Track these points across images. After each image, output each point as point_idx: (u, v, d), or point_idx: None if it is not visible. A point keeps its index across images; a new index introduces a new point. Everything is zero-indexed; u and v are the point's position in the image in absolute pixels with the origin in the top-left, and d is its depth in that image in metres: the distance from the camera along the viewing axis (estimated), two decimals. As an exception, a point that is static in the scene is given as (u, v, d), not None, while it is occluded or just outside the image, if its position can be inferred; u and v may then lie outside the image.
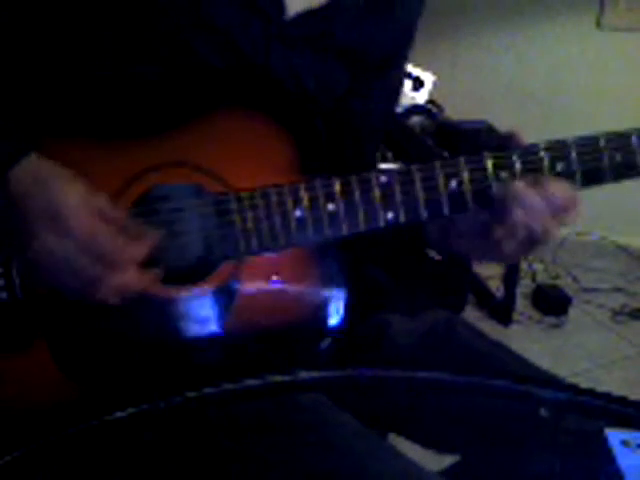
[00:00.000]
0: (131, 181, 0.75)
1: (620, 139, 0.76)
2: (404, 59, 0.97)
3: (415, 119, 2.30)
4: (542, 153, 0.75)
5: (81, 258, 0.68)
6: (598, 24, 2.80)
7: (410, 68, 2.32)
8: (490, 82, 2.97)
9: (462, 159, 0.75)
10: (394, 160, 2.11)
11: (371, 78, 0.91)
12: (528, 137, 0.77)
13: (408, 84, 2.29)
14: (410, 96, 2.29)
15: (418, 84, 2.30)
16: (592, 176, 0.76)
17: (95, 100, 0.77)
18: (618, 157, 0.75)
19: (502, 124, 2.34)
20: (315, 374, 0.69)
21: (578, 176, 0.75)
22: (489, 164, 0.75)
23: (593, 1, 2.78)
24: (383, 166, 2.03)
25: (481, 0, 2.89)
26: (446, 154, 2.16)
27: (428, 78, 2.32)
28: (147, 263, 0.72)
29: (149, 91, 0.77)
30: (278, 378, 0.68)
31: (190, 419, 0.73)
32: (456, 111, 2.44)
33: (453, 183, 0.75)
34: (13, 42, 0.78)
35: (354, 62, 0.87)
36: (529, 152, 0.75)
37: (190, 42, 0.77)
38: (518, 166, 0.75)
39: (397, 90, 1.04)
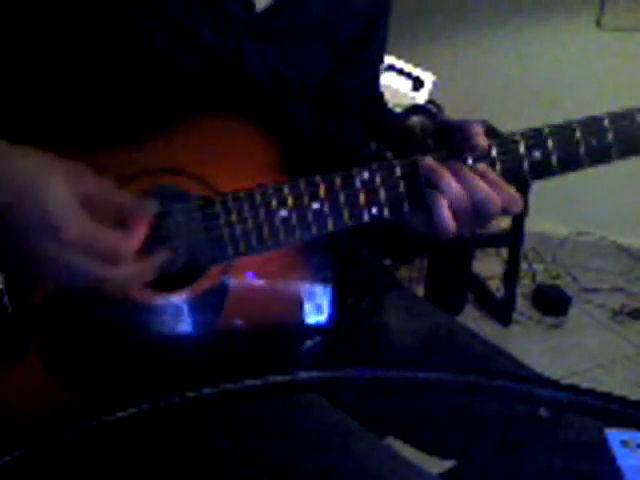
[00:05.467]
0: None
1: (594, 123, 0.77)
2: (383, 26, 0.96)
3: (415, 119, 2.30)
4: (518, 140, 0.76)
5: (82, 260, 0.67)
6: (598, 24, 2.80)
7: (410, 68, 2.32)
8: (490, 82, 2.97)
9: (445, 152, 0.76)
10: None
11: (353, 53, 0.91)
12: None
13: (408, 84, 2.29)
14: (410, 96, 2.29)
15: (418, 84, 2.30)
16: (569, 161, 0.77)
17: (72, 108, 0.76)
18: (593, 142, 0.76)
19: (502, 124, 2.34)
20: (315, 374, 0.69)
21: (555, 162, 0.76)
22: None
23: (593, 1, 2.78)
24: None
25: (481, 0, 2.89)
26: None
27: (428, 78, 2.32)
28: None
29: (126, 96, 0.77)
30: (278, 378, 0.67)
31: (189, 419, 0.73)
32: (456, 111, 2.43)
33: None
34: None
35: (334, 37, 0.87)
36: (507, 141, 0.76)
37: (161, 43, 0.77)
38: (495, 155, 0.76)
39: (379, 59, 1.03)
